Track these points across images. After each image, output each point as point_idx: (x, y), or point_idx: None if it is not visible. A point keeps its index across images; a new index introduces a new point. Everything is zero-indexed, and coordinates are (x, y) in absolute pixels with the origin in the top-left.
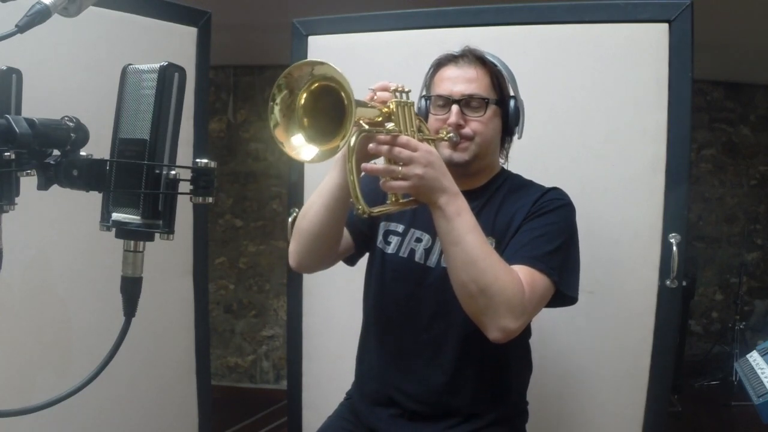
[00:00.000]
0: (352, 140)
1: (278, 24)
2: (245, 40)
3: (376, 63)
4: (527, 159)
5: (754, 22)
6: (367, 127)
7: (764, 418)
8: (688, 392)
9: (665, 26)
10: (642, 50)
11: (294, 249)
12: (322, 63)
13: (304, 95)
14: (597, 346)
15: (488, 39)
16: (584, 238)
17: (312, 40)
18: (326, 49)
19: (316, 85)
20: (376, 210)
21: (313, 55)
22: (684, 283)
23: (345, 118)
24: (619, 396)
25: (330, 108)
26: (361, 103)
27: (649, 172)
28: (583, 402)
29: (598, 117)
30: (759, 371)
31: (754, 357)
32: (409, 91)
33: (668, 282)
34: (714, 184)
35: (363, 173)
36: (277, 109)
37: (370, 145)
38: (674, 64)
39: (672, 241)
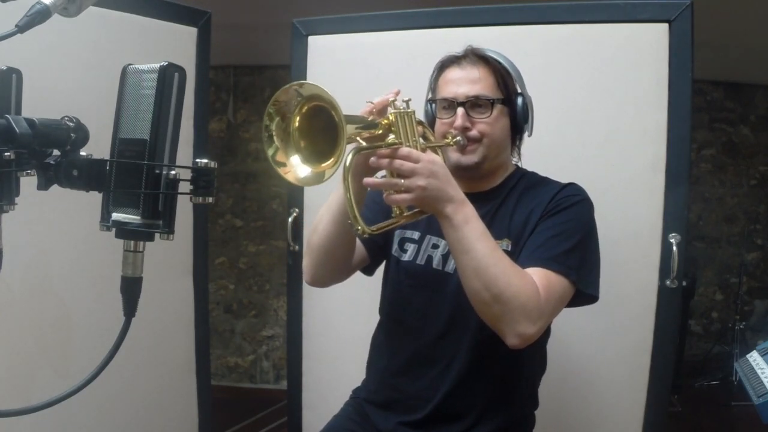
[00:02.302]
0: (348, 159)
1: (278, 24)
2: (245, 40)
3: (377, 63)
4: (527, 159)
5: (754, 22)
6: (364, 143)
7: (764, 418)
8: (688, 392)
9: (665, 26)
10: (642, 50)
11: (307, 264)
12: (305, 83)
13: (298, 118)
14: (597, 346)
15: (489, 39)
16: None
17: (312, 40)
18: (326, 49)
19: (307, 106)
20: (376, 228)
21: (312, 55)
22: (684, 283)
23: (338, 139)
24: (619, 396)
25: (326, 127)
26: (357, 119)
27: (649, 172)
28: (583, 401)
29: (598, 117)
30: (759, 371)
31: (754, 357)
32: (409, 99)
33: (668, 282)
34: (714, 184)
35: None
36: (274, 136)
37: (371, 158)
38: (674, 64)
39: (672, 241)
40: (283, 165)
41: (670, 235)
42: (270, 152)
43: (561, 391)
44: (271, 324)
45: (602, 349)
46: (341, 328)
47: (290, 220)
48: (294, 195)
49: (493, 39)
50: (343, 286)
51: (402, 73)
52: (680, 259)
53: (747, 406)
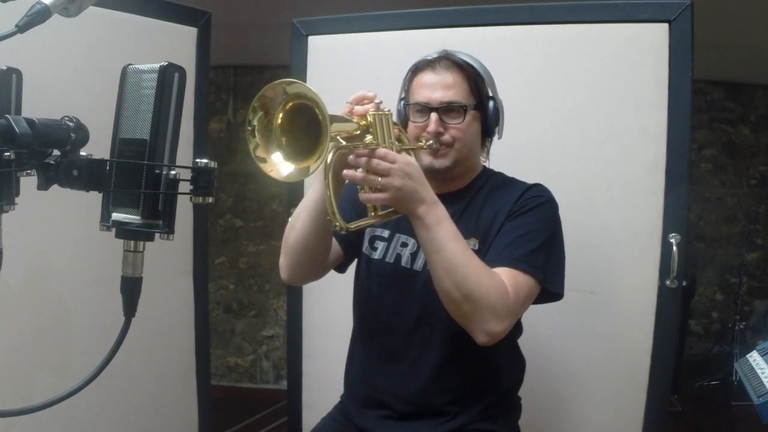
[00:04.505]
0: (329, 157)
1: (278, 24)
2: (245, 40)
3: (377, 63)
4: (527, 159)
5: (754, 22)
6: (344, 143)
7: (764, 418)
8: (688, 392)
9: (665, 26)
10: (642, 50)
11: (284, 262)
12: (293, 82)
13: (281, 115)
14: (597, 346)
15: (488, 39)
16: (584, 238)
17: (312, 40)
18: (326, 49)
19: (291, 104)
20: (354, 225)
21: (312, 55)
22: (684, 283)
23: (321, 137)
24: (619, 396)
25: (307, 125)
26: (337, 118)
27: (649, 172)
28: (583, 401)
29: (598, 117)
30: (759, 371)
31: (754, 357)
32: (389, 112)
33: (668, 282)
34: (714, 184)
35: (346, 182)
36: (255, 131)
37: (350, 156)
38: (674, 64)
39: (672, 241)
40: (264, 161)
41: (670, 235)
42: (251, 147)
43: (560, 390)
44: (271, 324)
45: (602, 349)
46: (341, 327)
47: (290, 220)
48: (294, 195)
49: (492, 39)
50: (343, 286)
51: (402, 73)
52: (680, 259)
53: (747, 406)
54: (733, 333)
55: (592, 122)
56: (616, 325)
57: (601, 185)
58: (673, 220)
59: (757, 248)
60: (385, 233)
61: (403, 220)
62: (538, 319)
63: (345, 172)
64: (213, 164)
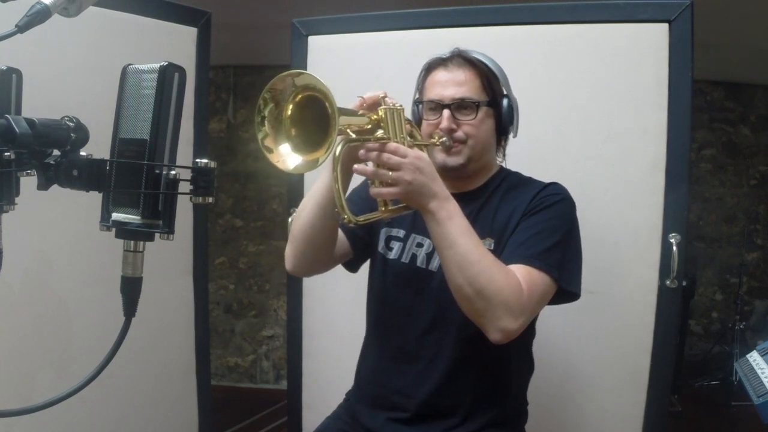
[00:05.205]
0: (338, 150)
1: (278, 24)
2: (245, 40)
3: (376, 63)
4: (527, 159)
5: (754, 22)
6: (353, 135)
7: (764, 418)
8: (688, 392)
9: (665, 26)
10: (642, 50)
11: (289, 252)
12: (302, 73)
13: (291, 106)
14: (597, 346)
15: (488, 39)
16: (584, 239)
17: (312, 40)
18: (326, 49)
19: (301, 96)
20: (363, 218)
21: (312, 55)
22: (684, 283)
23: (330, 128)
24: (619, 396)
25: (317, 117)
26: (348, 112)
27: (649, 172)
28: (583, 401)
29: (598, 117)
30: (759, 371)
31: (754, 357)
32: (401, 108)
33: (668, 282)
34: (714, 184)
35: (360, 178)
36: (265, 121)
37: (360, 151)
38: (674, 64)
39: (672, 241)
40: (271, 151)
41: (670, 235)
42: (260, 136)
43: (561, 390)
44: (271, 324)
45: (602, 349)
46: (341, 327)
47: (290, 220)
48: (294, 195)
49: (492, 39)
50: (344, 286)
51: (402, 73)
52: (680, 259)
53: (747, 406)
54: (733, 333)
55: (592, 122)
56: (616, 325)
57: (601, 185)
58: (673, 220)
59: (757, 248)
60: (401, 233)
61: (418, 220)
62: (537, 319)
63: (355, 166)
64: (213, 164)
